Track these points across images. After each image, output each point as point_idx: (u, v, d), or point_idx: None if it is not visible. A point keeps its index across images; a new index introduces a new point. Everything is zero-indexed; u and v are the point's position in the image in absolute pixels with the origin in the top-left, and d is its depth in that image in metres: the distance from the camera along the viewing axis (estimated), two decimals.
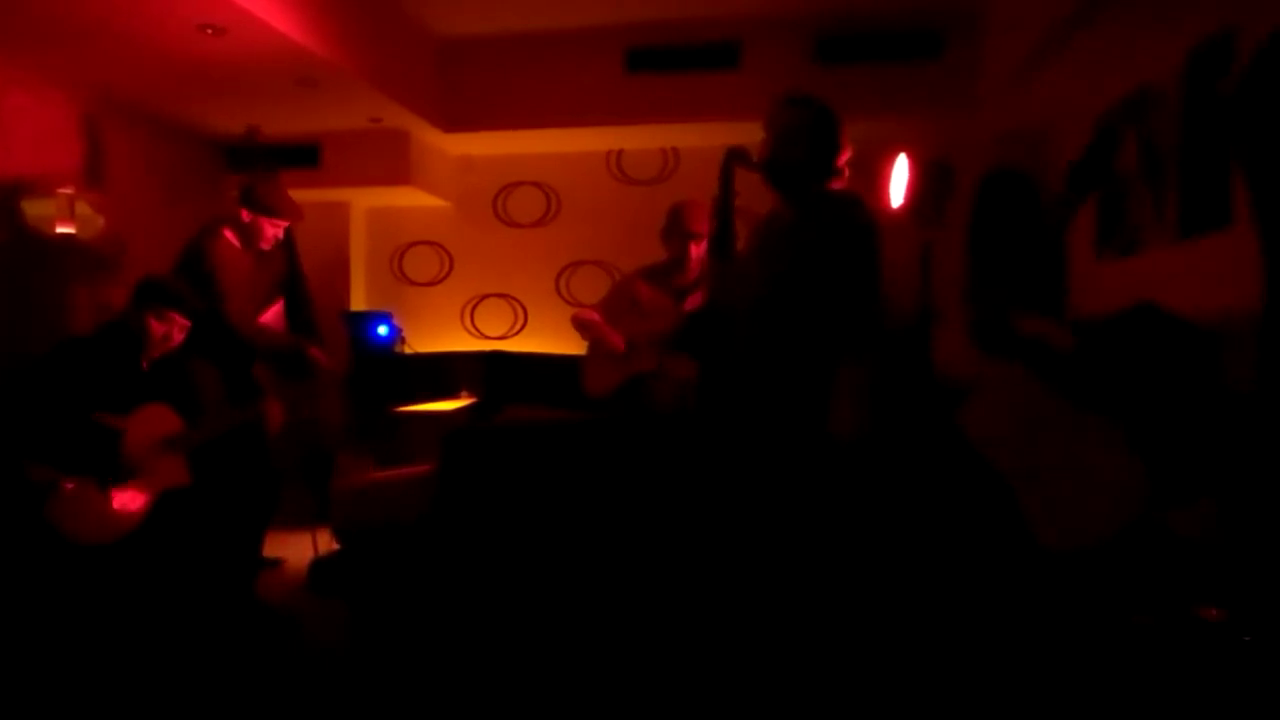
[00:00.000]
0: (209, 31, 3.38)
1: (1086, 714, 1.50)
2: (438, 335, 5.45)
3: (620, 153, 5.34)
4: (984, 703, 1.93)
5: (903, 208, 3.08)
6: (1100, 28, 3.16)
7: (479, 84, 4.90)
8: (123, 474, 2.61)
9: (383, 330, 5.03)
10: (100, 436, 2.58)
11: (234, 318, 3.11)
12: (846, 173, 2.30)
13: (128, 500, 2.62)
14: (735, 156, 2.32)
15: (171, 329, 2.77)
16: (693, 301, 3.11)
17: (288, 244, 3.37)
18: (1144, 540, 1.64)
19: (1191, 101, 2.68)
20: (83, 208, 4.10)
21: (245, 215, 3.21)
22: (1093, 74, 3.41)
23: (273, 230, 3.25)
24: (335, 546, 3.06)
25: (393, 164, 4.95)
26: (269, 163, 3.46)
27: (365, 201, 5.44)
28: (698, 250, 3.09)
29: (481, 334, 5.54)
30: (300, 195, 3.49)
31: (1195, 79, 2.66)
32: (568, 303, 5.25)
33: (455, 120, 4.93)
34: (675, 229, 3.17)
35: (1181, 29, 2.72)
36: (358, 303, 5.46)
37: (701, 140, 4.82)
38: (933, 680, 2.03)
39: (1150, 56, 2.95)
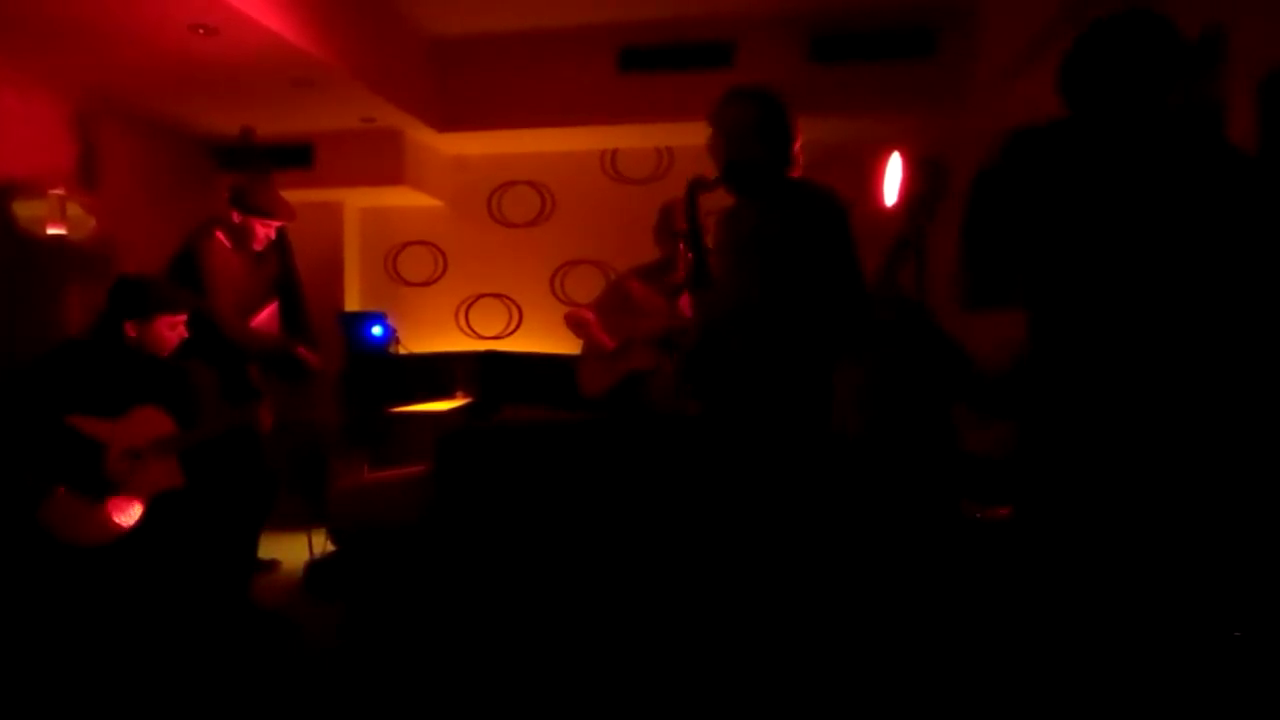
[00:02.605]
0: (201, 31, 3.37)
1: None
2: (432, 335, 5.44)
3: (615, 152, 5.34)
4: (982, 697, 1.94)
5: (896, 205, 3.08)
6: None
7: (472, 83, 4.89)
8: (108, 489, 2.58)
9: (377, 331, 5.02)
10: (83, 449, 2.55)
11: (223, 319, 3.10)
12: (802, 158, 2.27)
13: (122, 506, 2.61)
14: (696, 186, 2.30)
15: (160, 332, 2.74)
16: (685, 300, 3.11)
17: (281, 245, 3.36)
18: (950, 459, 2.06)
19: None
20: (74, 209, 4.08)
21: (236, 217, 3.20)
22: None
23: (264, 231, 3.24)
24: (331, 548, 3.05)
25: (386, 164, 4.94)
26: (262, 163, 3.45)
27: (359, 202, 5.43)
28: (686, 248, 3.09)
29: (476, 334, 5.53)
30: (293, 195, 3.48)
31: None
32: (563, 302, 5.25)
33: (449, 120, 4.92)
34: (666, 228, 3.17)
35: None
36: (352, 303, 5.45)
37: (696, 139, 4.74)
38: (931, 676, 2.04)
39: None
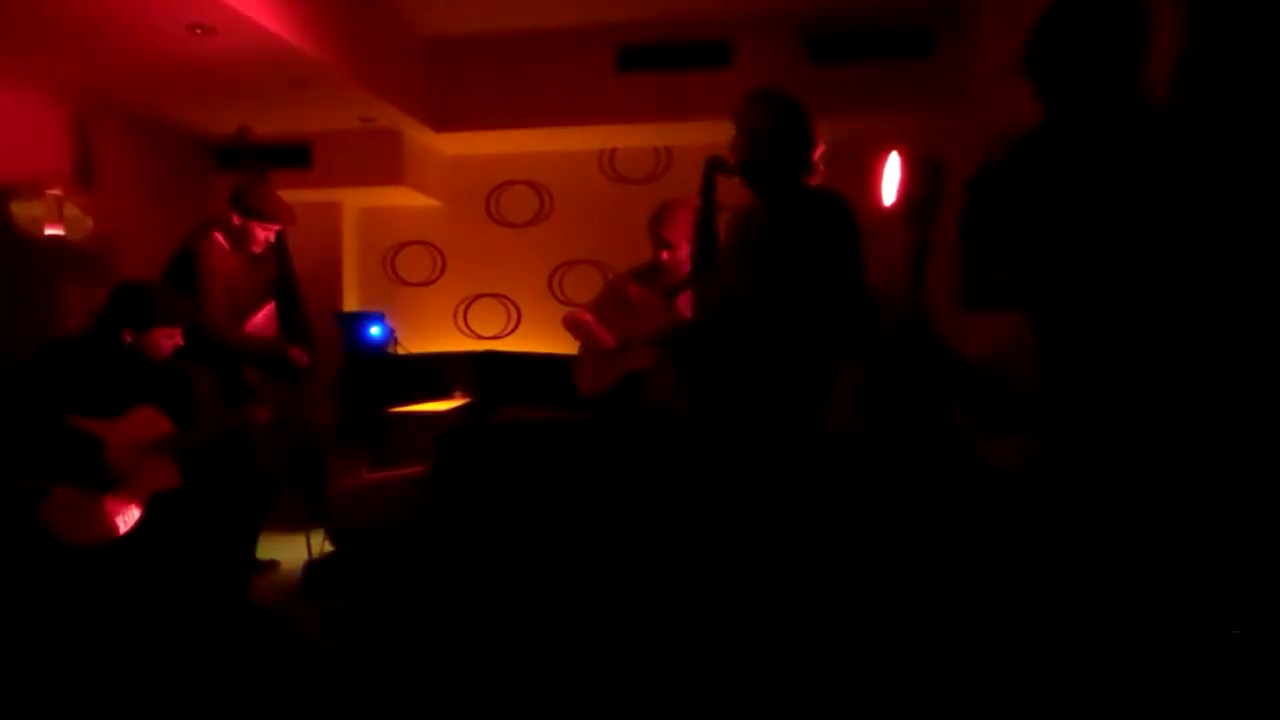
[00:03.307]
0: (198, 31, 3.37)
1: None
2: (431, 335, 5.44)
3: (613, 151, 5.34)
4: (982, 696, 1.94)
5: (894, 206, 3.08)
6: None
7: (470, 83, 4.89)
8: (108, 481, 2.58)
9: (376, 331, 5.02)
10: (83, 444, 2.55)
11: (213, 322, 3.09)
12: (821, 167, 2.29)
13: (121, 509, 2.60)
14: (715, 165, 2.32)
15: (156, 341, 2.74)
16: (683, 300, 3.11)
17: (280, 247, 3.36)
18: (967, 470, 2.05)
19: (1177, 101, 2.71)
20: (72, 209, 4.08)
21: (236, 219, 3.20)
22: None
23: (264, 234, 3.24)
24: (330, 548, 3.05)
25: (384, 164, 4.94)
26: (260, 163, 3.45)
27: (357, 202, 5.42)
28: (668, 256, 3.11)
29: (475, 334, 5.53)
30: (291, 195, 3.48)
31: (1181, 80, 2.68)
32: (561, 302, 5.25)
33: (447, 120, 4.92)
34: (653, 235, 3.17)
35: (1167, 27, 2.74)
36: (350, 303, 5.44)
37: (694, 139, 4.82)
38: (930, 675, 2.04)
39: None
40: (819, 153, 2.29)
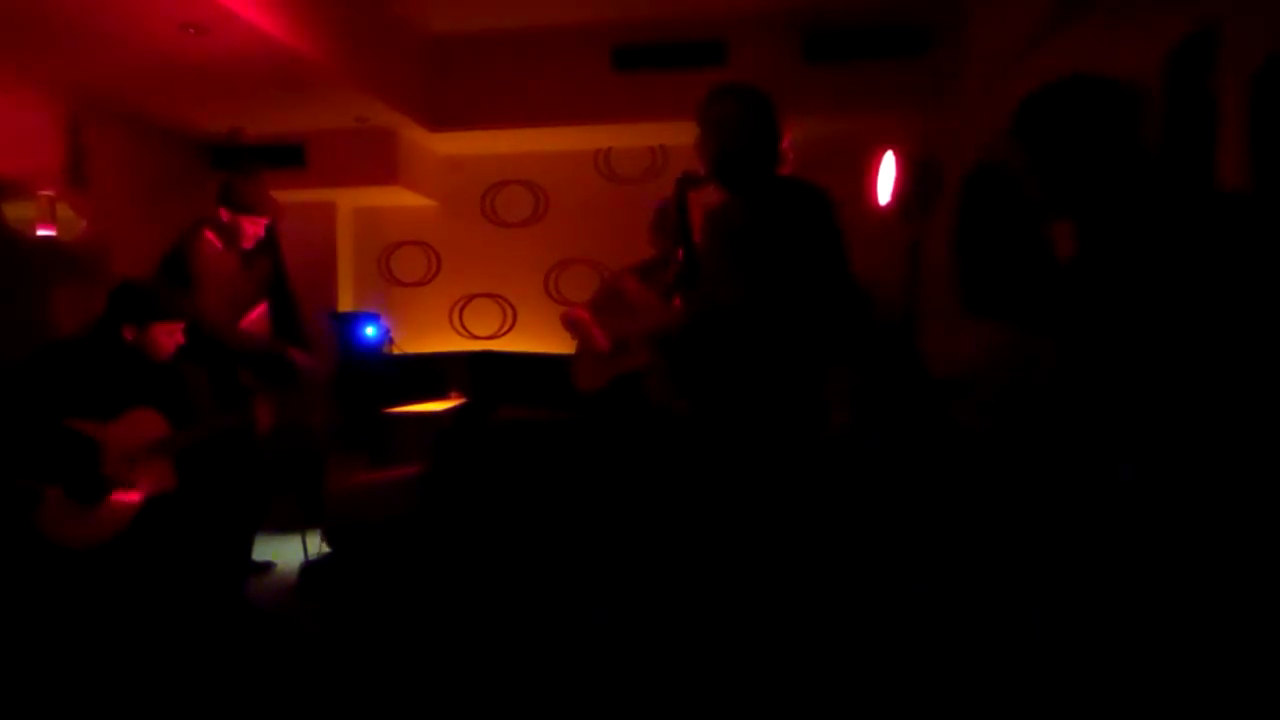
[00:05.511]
0: (191, 31, 3.36)
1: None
2: (427, 335, 5.44)
3: (608, 151, 5.34)
4: (975, 695, 1.94)
5: (890, 205, 3.09)
6: (1084, 25, 3.18)
7: (466, 82, 4.89)
8: (103, 486, 2.57)
9: (371, 331, 5.01)
10: (78, 446, 2.54)
11: (209, 320, 3.08)
12: (790, 156, 2.25)
13: (119, 505, 2.59)
14: (686, 182, 2.28)
15: (157, 337, 2.73)
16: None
17: (272, 245, 3.34)
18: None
19: (1174, 97, 2.71)
20: (64, 209, 4.06)
21: (225, 214, 3.18)
22: (1077, 70, 3.43)
23: (253, 229, 3.22)
24: (326, 549, 3.05)
25: (379, 163, 4.93)
26: (253, 164, 3.43)
27: (352, 201, 5.41)
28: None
29: (470, 334, 5.52)
30: (286, 195, 3.47)
31: (1177, 76, 2.68)
32: (557, 302, 5.24)
33: (442, 119, 4.91)
34: (663, 226, 3.16)
35: (1162, 26, 2.75)
36: (345, 303, 5.43)
37: (690, 138, 4.78)
38: (925, 674, 2.04)
39: (1132, 52, 2.98)
40: (786, 142, 2.23)
